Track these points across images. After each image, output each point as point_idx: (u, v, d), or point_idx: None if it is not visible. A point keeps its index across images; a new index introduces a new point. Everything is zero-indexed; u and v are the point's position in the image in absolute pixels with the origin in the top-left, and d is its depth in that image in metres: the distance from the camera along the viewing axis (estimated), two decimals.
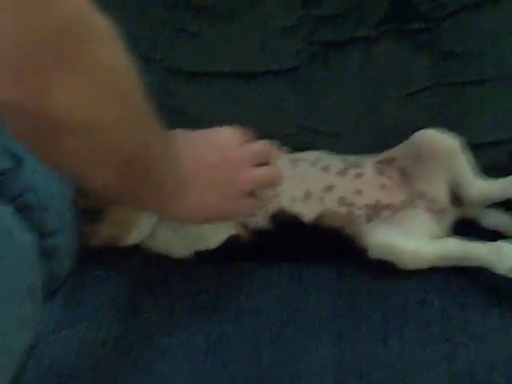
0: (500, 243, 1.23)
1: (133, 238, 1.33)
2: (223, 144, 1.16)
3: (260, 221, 1.33)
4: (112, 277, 1.33)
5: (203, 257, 1.33)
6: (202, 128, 1.25)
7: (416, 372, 1.13)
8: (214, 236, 1.32)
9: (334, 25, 1.42)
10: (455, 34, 1.41)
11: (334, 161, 1.40)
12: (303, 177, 1.36)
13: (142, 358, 1.17)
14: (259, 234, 1.32)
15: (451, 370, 1.12)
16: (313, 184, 1.35)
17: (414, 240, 1.28)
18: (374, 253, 1.29)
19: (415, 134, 1.37)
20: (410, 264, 1.27)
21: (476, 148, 1.42)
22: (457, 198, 1.38)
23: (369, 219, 1.33)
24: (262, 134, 1.35)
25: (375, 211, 1.34)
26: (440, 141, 1.36)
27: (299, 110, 1.46)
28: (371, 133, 1.45)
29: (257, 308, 1.25)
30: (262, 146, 1.22)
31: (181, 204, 1.06)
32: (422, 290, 1.26)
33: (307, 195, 1.34)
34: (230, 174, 1.14)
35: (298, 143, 1.45)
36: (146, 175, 0.93)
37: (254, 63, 1.43)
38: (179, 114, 1.44)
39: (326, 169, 1.37)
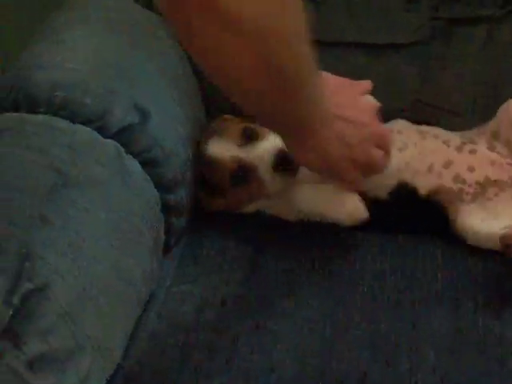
0: None
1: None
2: (364, 108, 1.21)
3: (380, 192, 1.34)
4: (228, 237, 1.35)
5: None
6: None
7: None
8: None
9: (459, 2, 1.41)
10: None
11: (452, 136, 1.41)
12: (427, 149, 1.37)
13: (262, 319, 1.19)
14: (376, 204, 1.32)
15: None
16: (435, 158, 1.36)
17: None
18: (471, 241, 1.31)
19: (507, 102, 1.39)
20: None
21: None
22: None
23: (474, 198, 1.33)
24: (381, 106, 1.37)
25: (483, 188, 1.34)
26: None
27: (417, 85, 1.47)
28: (488, 113, 1.44)
29: (373, 276, 1.27)
30: (388, 131, 1.28)
31: (318, 138, 1.11)
32: None
33: (430, 169, 1.34)
34: (358, 136, 1.18)
35: (413, 117, 1.46)
36: (296, 92, 0.98)
37: (375, 36, 1.44)
38: None
39: (447, 143, 1.38)
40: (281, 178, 1.29)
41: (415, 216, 1.35)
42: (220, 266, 1.29)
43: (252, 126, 1.32)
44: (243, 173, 1.30)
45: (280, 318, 1.19)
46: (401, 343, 1.15)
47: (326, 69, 1.42)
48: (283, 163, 1.27)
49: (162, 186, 1.26)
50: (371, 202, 1.31)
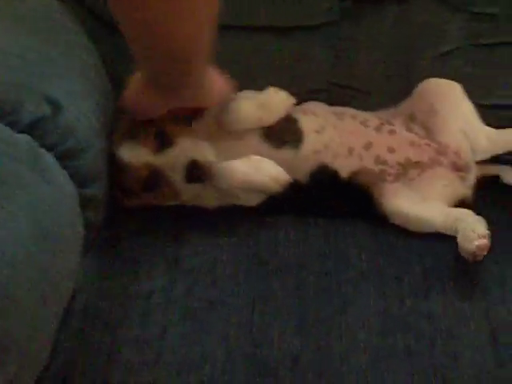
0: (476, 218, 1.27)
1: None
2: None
3: (299, 175, 1.34)
4: (148, 230, 1.32)
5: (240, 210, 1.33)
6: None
7: (458, 325, 1.15)
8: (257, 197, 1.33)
9: None
10: None
11: (370, 116, 1.43)
12: (346, 131, 1.38)
13: (190, 309, 1.18)
14: (296, 187, 1.32)
15: (491, 323, 1.15)
16: (355, 140, 1.37)
17: (430, 209, 1.33)
18: (391, 219, 1.34)
19: (420, 84, 1.43)
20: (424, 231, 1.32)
21: (501, 108, 1.46)
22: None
23: (396, 179, 1.35)
24: (293, 90, 1.36)
25: (404, 169, 1.36)
26: (443, 85, 1.43)
27: (330, 67, 1.47)
28: (402, 91, 1.47)
29: (297, 263, 1.26)
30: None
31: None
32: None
33: (350, 151, 1.35)
34: None
35: (328, 99, 1.47)
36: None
37: (287, 18, 1.42)
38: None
39: (364, 123, 1.39)
40: (193, 186, 1.27)
41: (337, 199, 1.36)
42: (142, 259, 1.26)
43: (164, 128, 1.28)
44: (155, 179, 1.27)
45: (207, 308, 1.17)
46: (331, 326, 1.16)
47: (239, 53, 1.43)
48: (196, 174, 1.26)
49: (79, 180, 1.21)
50: (291, 186, 1.31)
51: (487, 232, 1.22)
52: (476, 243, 1.20)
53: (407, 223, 1.32)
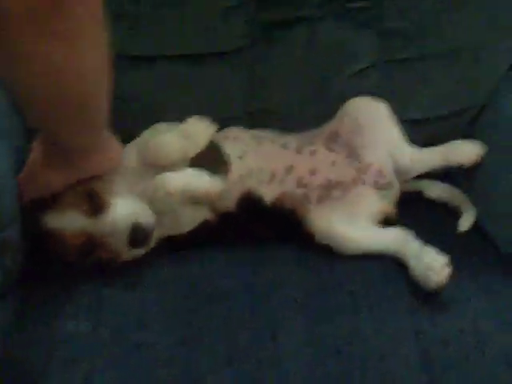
0: (433, 257, 1.24)
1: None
2: None
3: (228, 202, 1.33)
4: (68, 273, 1.26)
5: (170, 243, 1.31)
6: (147, 114, 1.38)
7: (388, 346, 1.15)
8: (191, 220, 1.30)
9: (278, 5, 1.40)
10: (395, 12, 1.42)
11: (290, 138, 1.42)
12: (267, 156, 1.37)
13: (117, 353, 1.14)
14: (227, 217, 1.32)
15: (421, 342, 1.15)
16: (276, 164, 1.36)
17: (356, 229, 1.32)
18: (319, 239, 1.33)
19: (346, 102, 1.44)
20: (350, 252, 1.32)
21: (418, 123, 1.47)
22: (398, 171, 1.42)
23: (320, 201, 1.34)
24: (210, 118, 1.35)
25: (327, 191, 1.36)
26: (369, 104, 1.44)
27: (246, 92, 1.45)
28: (319, 111, 1.47)
29: (225, 294, 1.24)
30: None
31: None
32: (384, 266, 1.30)
33: (272, 177, 1.34)
34: None
35: (247, 124, 1.45)
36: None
37: (197, 46, 1.40)
38: (123, 101, 1.39)
39: (285, 146, 1.39)
40: (136, 249, 1.23)
41: (263, 224, 1.34)
42: (64, 303, 1.22)
43: (95, 189, 1.22)
44: (93, 245, 1.20)
45: (135, 351, 1.14)
46: (262, 356, 1.14)
47: (150, 84, 1.41)
48: (139, 236, 1.21)
49: None
50: (221, 215, 1.32)
51: (447, 257, 1.22)
52: (444, 274, 1.20)
53: (334, 244, 1.31)
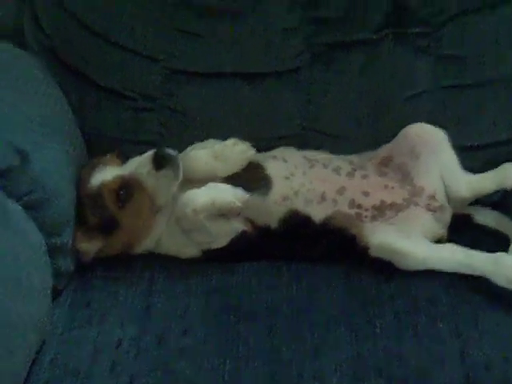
0: (498, 254, 1.26)
1: (144, 245, 1.35)
2: None
3: (269, 220, 1.33)
4: (118, 278, 1.31)
5: (211, 257, 1.33)
6: (202, 129, 1.39)
7: (432, 367, 1.13)
8: (223, 233, 1.32)
9: (336, 27, 1.43)
10: (454, 38, 1.44)
11: (342, 162, 1.42)
12: (318, 178, 1.38)
13: (160, 358, 1.15)
14: (267, 232, 1.33)
15: (466, 364, 1.13)
16: (327, 186, 1.37)
17: (414, 242, 1.31)
18: (374, 252, 1.31)
19: (404, 128, 1.43)
20: (409, 266, 1.30)
21: (474, 149, 1.46)
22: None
23: (374, 219, 1.35)
24: (263, 135, 1.37)
25: (380, 211, 1.37)
26: (428, 131, 1.43)
27: (301, 111, 1.47)
28: (372, 134, 1.48)
29: (269, 308, 1.25)
30: None
31: None
32: (430, 287, 1.28)
33: (323, 197, 1.35)
34: None
35: (299, 144, 1.46)
36: None
37: (256, 64, 1.44)
38: (180, 115, 1.43)
39: (337, 170, 1.39)
40: (164, 178, 1.29)
41: (309, 242, 1.35)
42: (112, 308, 1.24)
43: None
44: (127, 189, 1.29)
45: (178, 357, 1.15)
46: (303, 371, 1.13)
47: (207, 100, 1.44)
48: (163, 158, 1.28)
49: (47, 229, 1.21)
50: (261, 230, 1.32)
51: None
52: None
53: (390, 255, 1.30)
